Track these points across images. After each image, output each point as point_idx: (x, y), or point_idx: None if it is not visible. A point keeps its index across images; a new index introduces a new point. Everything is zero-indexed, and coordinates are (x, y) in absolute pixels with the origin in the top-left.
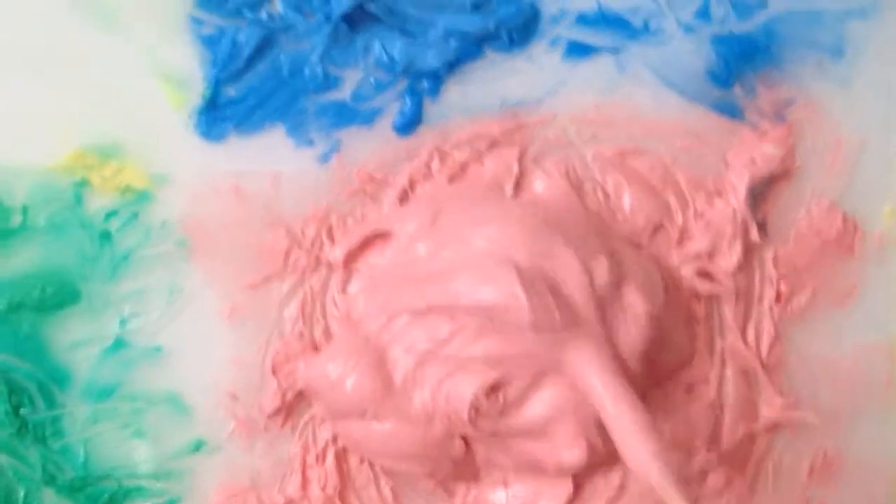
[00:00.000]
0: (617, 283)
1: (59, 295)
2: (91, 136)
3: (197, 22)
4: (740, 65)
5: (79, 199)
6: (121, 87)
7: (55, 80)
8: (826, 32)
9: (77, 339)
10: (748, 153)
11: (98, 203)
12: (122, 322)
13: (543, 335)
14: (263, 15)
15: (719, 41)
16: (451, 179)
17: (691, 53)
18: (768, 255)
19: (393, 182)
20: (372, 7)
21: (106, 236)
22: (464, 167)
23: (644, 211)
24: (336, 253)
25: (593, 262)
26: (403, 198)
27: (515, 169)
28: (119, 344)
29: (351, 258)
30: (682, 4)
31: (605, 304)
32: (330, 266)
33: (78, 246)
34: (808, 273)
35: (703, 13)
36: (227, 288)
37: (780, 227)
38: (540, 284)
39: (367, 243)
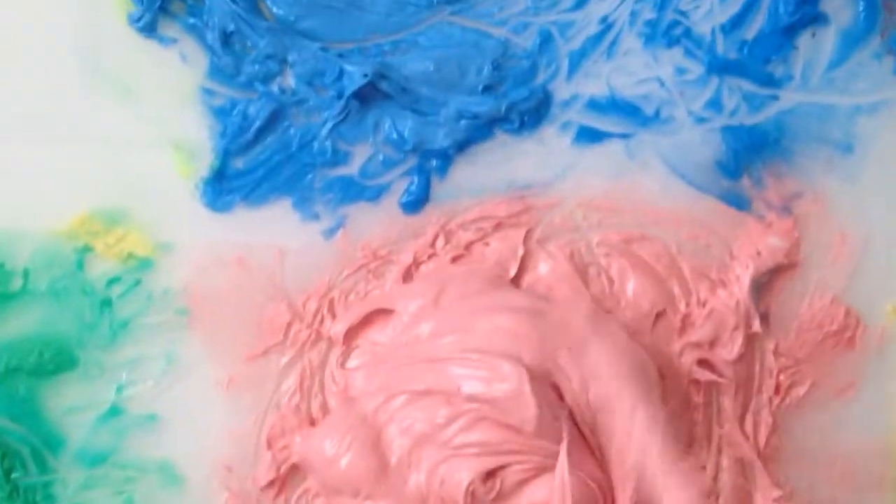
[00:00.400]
0: None
1: (56, 360)
2: (97, 202)
3: (208, 93)
4: (749, 156)
5: (81, 265)
6: (129, 154)
7: (64, 145)
8: (836, 128)
9: (72, 405)
10: (753, 244)
11: (100, 269)
12: (119, 389)
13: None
14: (275, 88)
15: (729, 132)
16: (455, 259)
17: (701, 143)
18: (769, 346)
19: (397, 259)
20: (384, 85)
21: (106, 303)
22: (468, 247)
23: (647, 298)
24: (337, 328)
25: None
26: (407, 276)
27: (520, 251)
28: (114, 411)
29: (352, 334)
30: (693, 94)
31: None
32: (330, 341)
33: (78, 312)
34: (808, 365)
35: (715, 104)
36: (225, 359)
37: (783, 319)
38: (547, 391)
39: (368, 320)
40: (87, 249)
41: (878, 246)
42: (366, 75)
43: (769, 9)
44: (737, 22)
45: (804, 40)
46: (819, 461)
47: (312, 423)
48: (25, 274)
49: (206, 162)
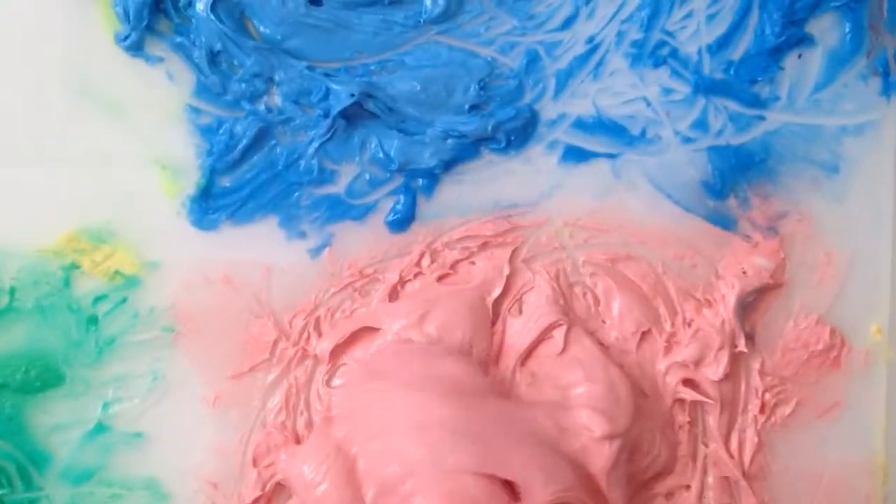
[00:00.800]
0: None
1: (42, 377)
2: (84, 220)
3: (195, 111)
4: (735, 176)
5: (67, 283)
6: (116, 172)
7: (52, 163)
8: (822, 148)
9: (58, 422)
10: (739, 264)
11: (87, 287)
12: (105, 406)
13: None
14: (262, 107)
15: (715, 152)
16: (441, 278)
17: (687, 163)
18: (755, 365)
19: (383, 278)
20: (370, 105)
21: (93, 320)
22: (454, 266)
23: (632, 317)
24: (323, 346)
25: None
26: (393, 294)
27: (506, 271)
28: (100, 428)
29: (337, 352)
30: (680, 114)
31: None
32: (316, 359)
33: (64, 329)
34: (793, 385)
35: (701, 124)
36: (211, 376)
37: (768, 338)
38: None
39: (354, 338)
40: (73, 267)
41: (863, 266)
42: (352, 94)
43: (755, 30)
44: (723, 42)
45: (790, 61)
46: (804, 480)
47: (298, 440)
48: (12, 291)
49: (192, 180)
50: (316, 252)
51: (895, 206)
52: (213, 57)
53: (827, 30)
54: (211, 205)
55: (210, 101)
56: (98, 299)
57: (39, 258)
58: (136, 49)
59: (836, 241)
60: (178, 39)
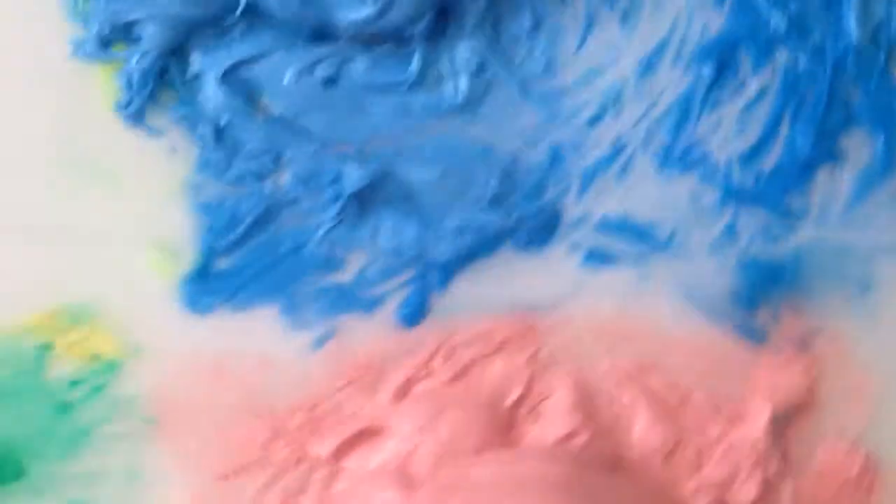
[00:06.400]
0: None
1: (0, 469)
2: (63, 298)
3: (195, 188)
4: (766, 289)
5: (40, 364)
6: (103, 248)
7: (32, 235)
8: (854, 266)
9: None
10: (771, 381)
11: (61, 370)
12: None
13: None
14: (268, 186)
15: (745, 263)
16: (453, 380)
17: (716, 273)
18: (786, 489)
19: (391, 376)
20: (384, 190)
21: (66, 408)
22: (467, 368)
23: (659, 432)
24: (324, 447)
25: None
26: (401, 394)
27: (525, 374)
28: None
29: (339, 454)
30: (708, 222)
31: None
32: (313, 462)
33: (31, 416)
34: None
35: (730, 233)
36: (194, 476)
37: (799, 461)
38: None
39: (357, 440)
40: (47, 347)
41: None
42: (366, 178)
43: (786, 142)
44: (753, 152)
45: (822, 175)
46: None
47: None
48: None
49: (186, 260)
50: (318, 344)
51: None
52: (219, 131)
53: (859, 146)
54: (206, 287)
55: (213, 177)
56: (73, 384)
57: (10, 336)
58: (136, 119)
59: (869, 362)
60: (183, 111)
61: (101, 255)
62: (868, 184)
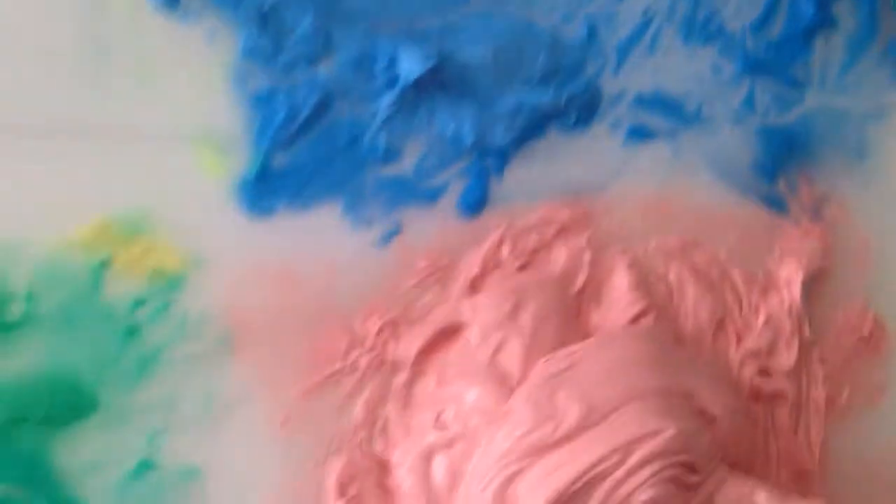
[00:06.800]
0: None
1: (70, 405)
2: (114, 207)
3: (242, 77)
4: (783, 159)
5: (97, 284)
6: (150, 150)
7: (72, 139)
8: (850, 133)
9: (92, 461)
10: (795, 249)
11: (121, 289)
12: (150, 439)
13: None
14: (321, 73)
15: (764, 133)
16: (522, 268)
17: (739, 144)
18: (815, 354)
19: (461, 269)
20: (441, 73)
21: (131, 331)
22: (533, 254)
23: (706, 307)
24: (407, 349)
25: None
26: (474, 286)
27: (587, 258)
28: (144, 466)
29: (421, 356)
30: (729, 93)
31: None
32: (394, 366)
33: (95, 343)
34: (845, 373)
35: (749, 103)
36: (276, 395)
37: (819, 327)
38: None
39: (437, 339)
40: (103, 265)
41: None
42: (429, 60)
43: (788, 10)
44: (762, 22)
45: (820, 44)
46: (862, 469)
47: (384, 466)
48: (28, 297)
49: (241, 159)
50: (385, 241)
51: None
52: (262, 15)
53: (847, 13)
54: (264, 188)
55: (260, 65)
56: (136, 304)
57: (61, 254)
58: (170, 5)
59: (870, 227)
60: None
61: (148, 158)
62: (855, 51)
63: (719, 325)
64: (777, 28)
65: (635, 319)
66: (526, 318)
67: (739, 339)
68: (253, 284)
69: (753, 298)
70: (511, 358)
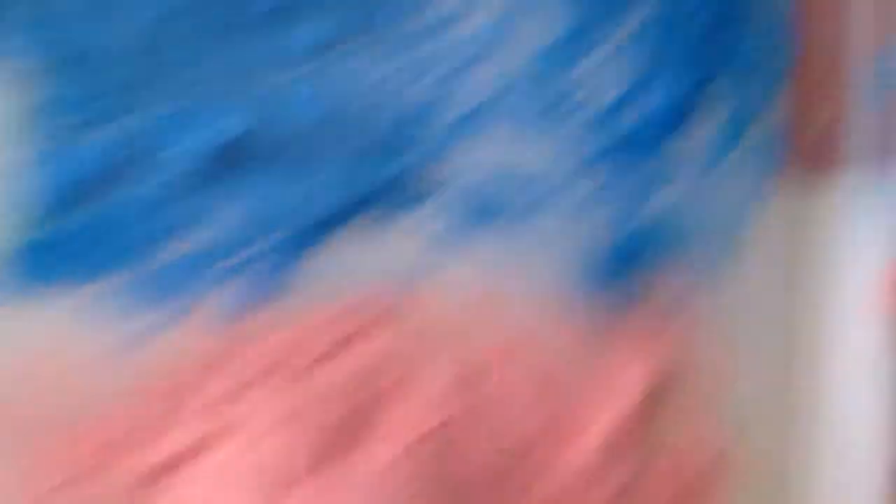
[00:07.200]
0: None
1: None
2: None
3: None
4: (633, 254)
5: None
6: None
7: None
8: (709, 231)
9: None
10: (640, 355)
11: None
12: None
13: None
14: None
15: (612, 226)
16: (315, 363)
17: (582, 237)
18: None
19: (239, 366)
20: (253, 143)
21: None
22: (330, 350)
23: (533, 414)
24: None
25: None
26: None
27: (391, 357)
28: None
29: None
30: (577, 180)
31: None
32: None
33: None
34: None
35: (597, 192)
36: None
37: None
38: None
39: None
40: None
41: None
42: (238, 127)
43: (650, 97)
44: (619, 106)
45: (684, 133)
46: None
47: None
48: None
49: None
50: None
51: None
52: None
53: (717, 100)
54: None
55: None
56: None
57: None
58: None
59: (725, 335)
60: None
61: None
62: (722, 142)
63: (546, 434)
64: (635, 115)
65: (438, 428)
66: (309, 419)
67: (566, 451)
68: None
69: (586, 407)
70: (290, 462)
